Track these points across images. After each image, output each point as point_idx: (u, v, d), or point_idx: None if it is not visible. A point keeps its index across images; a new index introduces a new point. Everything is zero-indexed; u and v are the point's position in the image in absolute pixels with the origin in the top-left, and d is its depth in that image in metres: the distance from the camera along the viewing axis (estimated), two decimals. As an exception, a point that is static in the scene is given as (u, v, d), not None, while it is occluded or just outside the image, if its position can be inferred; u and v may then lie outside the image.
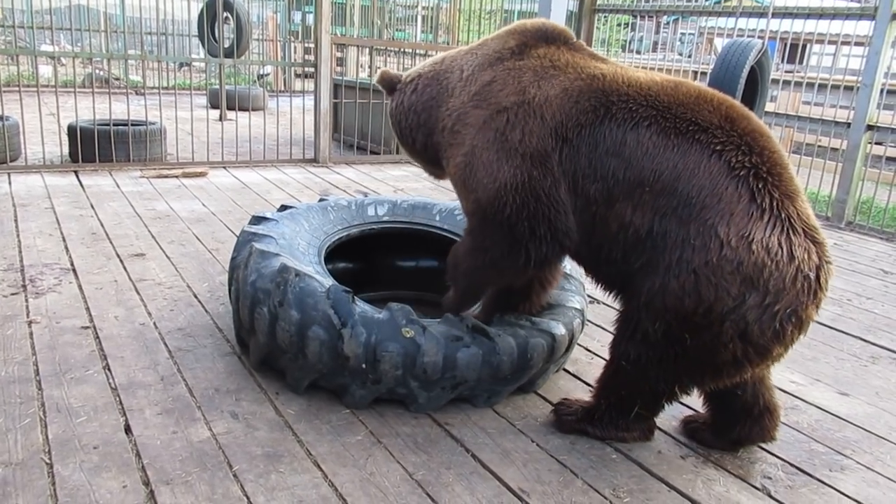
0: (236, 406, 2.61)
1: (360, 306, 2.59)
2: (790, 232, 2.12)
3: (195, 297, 3.62)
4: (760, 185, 2.14)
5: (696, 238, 2.12)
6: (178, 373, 2.83)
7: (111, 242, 4.42)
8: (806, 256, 2.11)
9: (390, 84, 2.89)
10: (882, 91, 6.22)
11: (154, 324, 3.27)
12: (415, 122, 2.79)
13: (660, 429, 2.66)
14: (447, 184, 6.75)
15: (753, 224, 2.10)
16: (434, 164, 2.90)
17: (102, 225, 4.77)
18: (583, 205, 2.34)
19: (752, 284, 2.08)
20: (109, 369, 2.82)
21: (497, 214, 2.41)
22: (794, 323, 2.13)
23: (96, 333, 3.13)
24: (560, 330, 2.78)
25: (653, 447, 2.54)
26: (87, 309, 3.38)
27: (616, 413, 2.49)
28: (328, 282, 2.68)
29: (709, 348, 2.16)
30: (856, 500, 2.34)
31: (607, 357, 2.49)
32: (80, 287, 3.65)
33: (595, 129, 2.30)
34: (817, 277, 2.13)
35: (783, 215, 2.13)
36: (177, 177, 6.43)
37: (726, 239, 2.09)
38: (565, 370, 3.10)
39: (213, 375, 2.83)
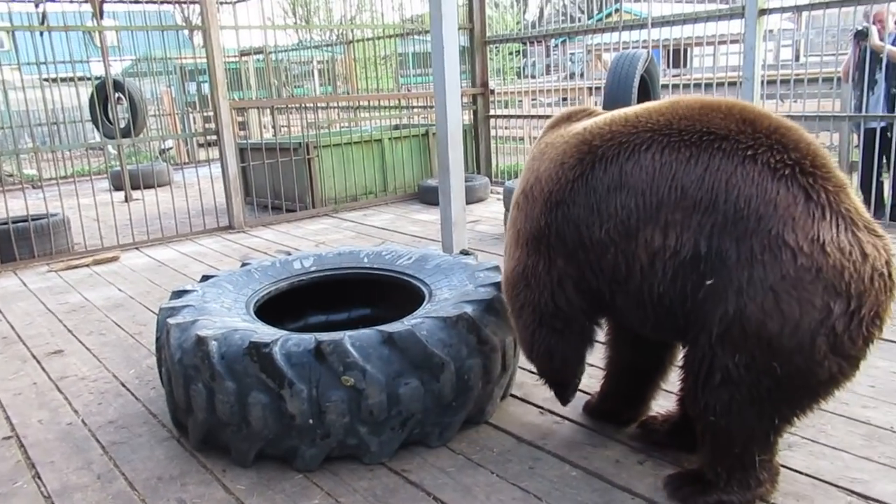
0: (182, 492, 2.49)
1: (286, 348, 2.50)
2: (853, 228, 1.92)
3: (123, 385, 3.46)
4: (811, 181, 1.93)
5: (764, 252, 1.91)
6: (115, 468, 2.68)
7: (24, 343, 4.18)
8: (876, 253, 1.92)
9: None
10: (762, 82, 6.59)
11: (82, 421, 3.10)
12: None
13: (611, 438, 2.68)
14: (368, 230, 6.70)
15: (818, 225, 1.89)
16: None
17: (13, 327, 4.52)
18: (599, 253, 2.20)
19: (836, 291, 1.87)
20: (40, 477, 2.65)
21: (511, 298, 2.51)
22: (878, 325, 1.95)
23: (20, 442, 2.94)
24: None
25: (609, 457, 2.56)
26: (7, 418, 3.18)
27: (742, 474, 2.17)
28: (253, 333, 2.59)
29: (804, 372, 1.94)
30: (807, 475, 2.40)
31: (691, 419, 2.25)
32: (-4, 396, 3.43)
33: (586, 177, 2.20)
34: (889, 274, 1.95)
35: (842, 211, 1.93)
36: (87, 265, 6.18)
37: (797, 247, 1.88)
38: (513, 395, 3.10)
39: (154, 464, 2.69)
